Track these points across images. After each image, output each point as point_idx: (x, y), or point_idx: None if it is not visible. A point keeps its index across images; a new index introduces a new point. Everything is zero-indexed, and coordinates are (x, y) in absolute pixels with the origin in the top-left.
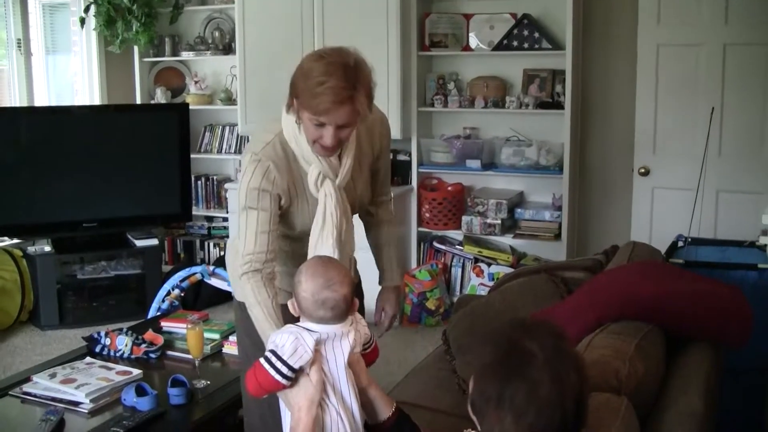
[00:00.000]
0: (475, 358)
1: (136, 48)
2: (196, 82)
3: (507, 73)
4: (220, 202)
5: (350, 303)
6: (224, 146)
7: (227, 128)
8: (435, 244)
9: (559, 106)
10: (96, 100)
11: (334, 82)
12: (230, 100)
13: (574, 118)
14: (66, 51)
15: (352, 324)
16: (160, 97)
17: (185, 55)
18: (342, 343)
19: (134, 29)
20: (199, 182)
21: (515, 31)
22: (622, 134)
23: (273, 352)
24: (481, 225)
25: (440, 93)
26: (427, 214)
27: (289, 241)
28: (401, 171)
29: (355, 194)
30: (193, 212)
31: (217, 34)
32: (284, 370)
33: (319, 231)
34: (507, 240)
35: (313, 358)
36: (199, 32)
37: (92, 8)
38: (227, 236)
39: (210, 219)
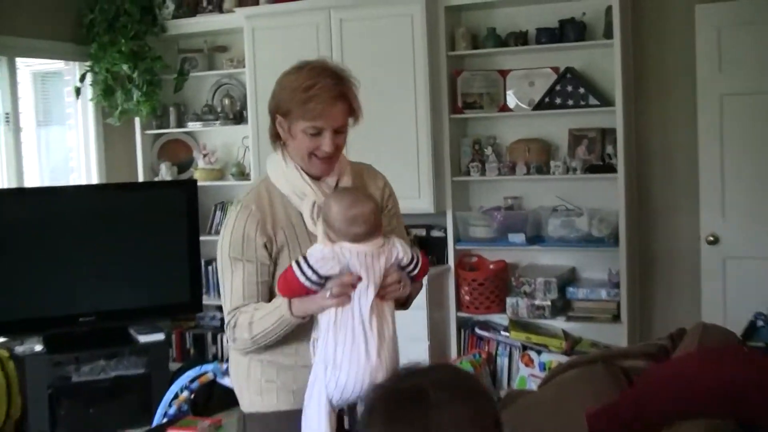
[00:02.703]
0: None
1: (137, 119)
2: (204, 155)
3: (551, 135)
4: None
5: (379, 218)
6: None
7: None
8: (477, 330)
9: (611, 169)
10: (94, 178)
11: (324, 81)
12: (243, 174)
13: (629, 182)
14: (60, 124)
15: (385, 245)
16: (165, 173)
17: (192, 126)
18: (374, 263)
19: (135, 99)
20: (210, 268)
21: (558, 87)
22: (685, 198)
23: (304, 256)
24: (528, 307)
25: (476, 159)
26: (467, 297)
27: None
28: (436, 249)
29: None
30: (204, 302)
31: (226, 101)
32: (309, 272)
33: None
34: (559, 323)
35: (343, 271)
36: (207, 100)
37: (88, 77)
38: None
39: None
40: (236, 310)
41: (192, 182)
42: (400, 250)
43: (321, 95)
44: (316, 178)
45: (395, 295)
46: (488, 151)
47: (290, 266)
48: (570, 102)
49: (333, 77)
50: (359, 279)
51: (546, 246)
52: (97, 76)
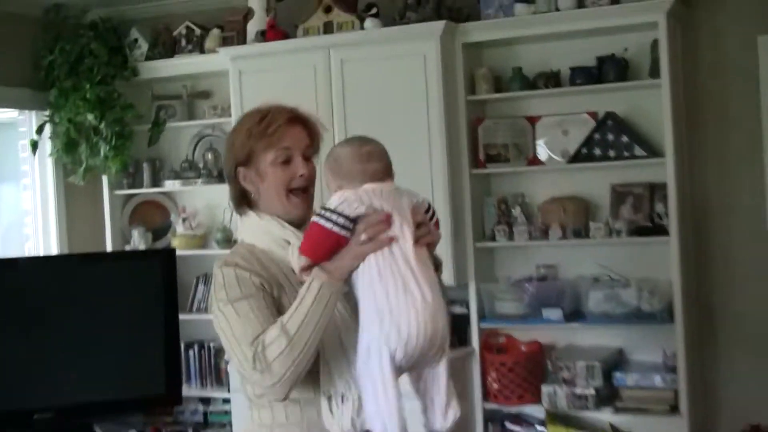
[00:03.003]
0: None
1: (104, 178)
2: (184, 220)
3: (589, 192)
4: (220, 378)
5: (390, 161)
6: None
7: None
8: (508, 425)
9: (662, 231)
10: (53, 247)
11: (275, 108)
12: (230, 241)
13: (684, 247)
14: (13, 182)
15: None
16: (138, 240)
17: (169, 185)
18: (399, 202)
19: (102, 153)
20: (191, 352)
21: (597, 136)
22: (752, 264)
23: (322, 206)
24: (568, 397)
25: (503, 222)
26: (495, 385)
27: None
28: (457, 328)
29: None
30: (184, 393)
31: (209, 156)
32: (334, 217)
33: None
34: (605, 416)
35: (371, 210)
36: (187, 154)
37: (47, 128)
38: (230, 422)
39: (207, 401)
40: (258, 338)
41: (169, 251)
42: (414, 194)
43: (276, 117)
44: (295, 227)
45: (428, 239)
46: (516, 211)
47: (311, 222)
48: (611, 153)
49: (283, 106)
50: (389, 216)
51: (587, 323)
52: (57, 128)
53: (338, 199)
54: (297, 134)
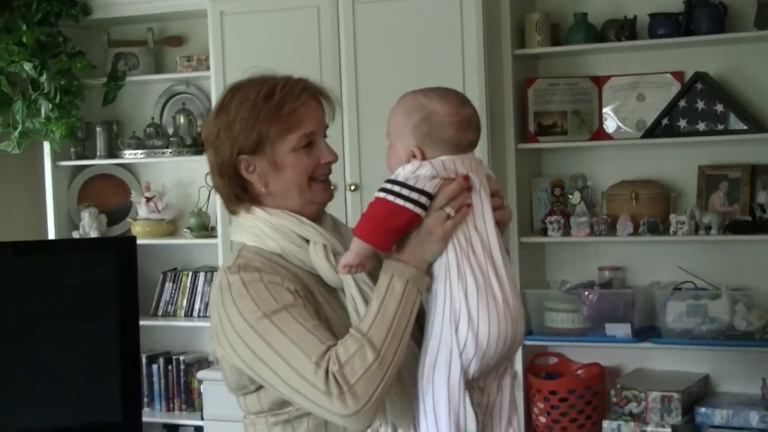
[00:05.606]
0: None
1: (46, 145)
2: (148, 200)
3: (671, 175)
4: (191, 399)
5: None
6: (197, 306)
7: (201, 276)
8: None
9: (765, 227)
10: None
11: (283, 82)
12: (206, 228)
13: None
14: None
15: None
16: (89, 225)
17: (129, 155)
18: (480, 175)
19: (43, 114)
20: (155, 366)
21: (682, 103)
22: None
23: (390, 180)
24: None
25: (557, 211)
26: (543, 419)
27: None
28: None
29: None
30: (145, 418)
31: (182, 119)
32: (405, 191)
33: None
34: None
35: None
36: (153, 117)
37: None
38: None
39: (174, 429)
40: (325, 355)
41: (129, 240)
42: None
43: (289, 93)
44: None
45: (503, 215)
46: (575, 198)
47: (376, 199)
48: (701, 125)
49: (289, 76)
50: (467, 179)
51: (664, 343)
52: None
53: (411, 170)
54: (315, 113)
